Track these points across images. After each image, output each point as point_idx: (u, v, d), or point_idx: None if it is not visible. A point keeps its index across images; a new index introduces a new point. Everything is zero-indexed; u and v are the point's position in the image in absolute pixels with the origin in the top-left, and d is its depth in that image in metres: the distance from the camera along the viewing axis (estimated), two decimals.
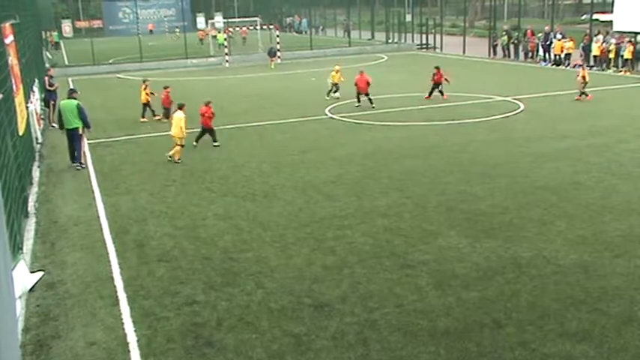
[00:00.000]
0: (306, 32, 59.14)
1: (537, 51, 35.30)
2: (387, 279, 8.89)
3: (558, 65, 32.59)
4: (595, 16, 36.76)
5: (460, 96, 24.17)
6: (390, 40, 50.32)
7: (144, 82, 22.00)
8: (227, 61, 39.72)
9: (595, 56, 31.17)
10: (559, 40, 33.21)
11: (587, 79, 22.17)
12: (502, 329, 7.48)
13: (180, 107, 16.04)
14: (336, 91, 24.63)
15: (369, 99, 22.24)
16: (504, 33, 38.37)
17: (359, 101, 22.62)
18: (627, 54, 29.32)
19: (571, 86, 25.04)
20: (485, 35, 44.01)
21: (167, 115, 20.73)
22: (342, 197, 12.64)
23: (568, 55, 32.46)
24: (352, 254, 9.79)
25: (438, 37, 45.50)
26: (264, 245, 10.30)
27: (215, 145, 17.27)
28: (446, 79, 23.27)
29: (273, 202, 12.51)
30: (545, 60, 34.19)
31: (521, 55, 36.73)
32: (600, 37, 31.24)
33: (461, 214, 11.39)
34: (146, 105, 21.54)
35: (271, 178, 14.20)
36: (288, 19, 72.57)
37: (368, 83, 22.25)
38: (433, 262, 9.39)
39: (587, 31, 33.25)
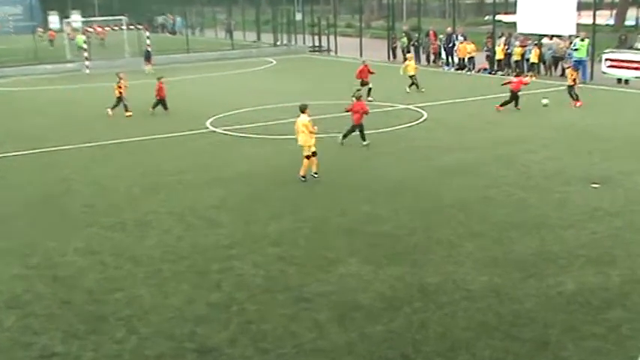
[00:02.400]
0: (181, 33, 58.62)
1: (440, 54, 36.76)
2: (281, 315, 8.91)
3: (462, 69, 34.10)
4: (498, 17, 38.76)
5: None
6: (278, 42, 50.82)
7: (117, 74, 24.27)
8: (87, 66, 38.60)
9: (499, 60, 32.90)
10: (461, 42, 34.71)
11: (577, 81, 23.49)
12: None
13: (303, 110, 15.38)
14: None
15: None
16: (404, 34, 39.70)
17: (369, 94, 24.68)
18: (533, 58, 31.13)
19: (476, 92, 26.31)
20: (383, 36, 45.34)
21: (165, 106, 24.01)
22: (227, 223, 12.57)
23: (472, 59, 34.00)
24: (241, 289, 9.74)
25: (332, 38, 46.43)
26: (136, 283, 10.05)
27: None
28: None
29: (146, 232, 12.25)
30: (448, 64, 35.66)
31: (423, 58, 38.08)
32: (503, 39, 33.04)
33: (363, 237, 11.63)
34: (120, 99, 23.85)
35: (144, 204, 13.91)
36: (160, 19, 71.68)
37: (370, 72, 25.40)
38: (333, 293, 9.51)
39: (490, 33, 34.99)
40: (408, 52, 38.47)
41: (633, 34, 36.24)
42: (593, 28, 30.51)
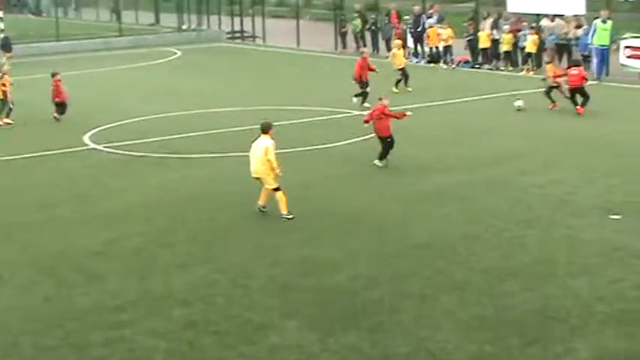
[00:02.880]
0: (48, 14, 57.94)
1: (406, 42, 37.06)
2: None
3: (436, 62, 34.48)
4: None
5: (297, 111, 24.80)
6: (184, 26, 50.61)
7: None
8: None
9: (484, 49, 33.43)
10: (431, 26, 35.15)
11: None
12: None
13: (266, 130, 15.14)
14: None
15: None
16: (356, 15, 39.91)
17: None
18: (530, 46, 31.59)
19: (455, 93, 26.64)
20: (328, 18, 45.57)
21: (62, 111, 24.67)
22: (115, 277, 12.37)
23: (448, 48, 34.43)
24: None
25: (258, 20, 46.37)
26: None
27: None
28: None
29: None
30: (417, 55, 36.06)
31: (383, 46, 38.36)
32: (489, 21, 33.59)
33: (304, 293, 11.56)
34: (2, 101, 24.17)
35: None
36: None
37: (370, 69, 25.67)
38: None
39: (472, 13, 35.53)
40: (362, 37, 38.79)
41: None
42: (608, 5, 31.29)
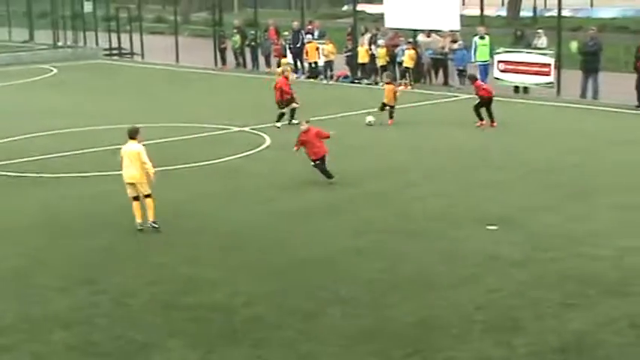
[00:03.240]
0: None
1: (285, 57, 37.31)
2: None
3: (316, 78, 34.79)
4: (360, 7, 39.89)
5: (177, 128, 24.67)
6: (60, 43, 49.73)
7: None
8: None
9: (362, 64, 33.96)
10: (310, 42, 35.49)
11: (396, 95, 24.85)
12: None
13: (133, 135, 15.03)
14: None
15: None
16: (235, 31, 39.93)
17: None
18: (408, 61, 32.13)
19: (335, 108, 26.92)
20: (207, 35, 45.43)
21: None
22: None
23: (329, 63, 34.81)
24: None
25: (136, 37, 45.99)
26: None
27: None
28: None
29: None
30: (297, 70, 36.28)
31: (262, 62, 38.57)
32: (367, 37, 34.11)
33: (186, 312, 11.51)
34: None
35: None
36: None
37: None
38: None
39: (349, 28, 35.98)
40: (241, 53, 38.78)
41: (531, 28, 38.16)
42: (482, 22, 32.18)
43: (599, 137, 22.42)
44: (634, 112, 25.98)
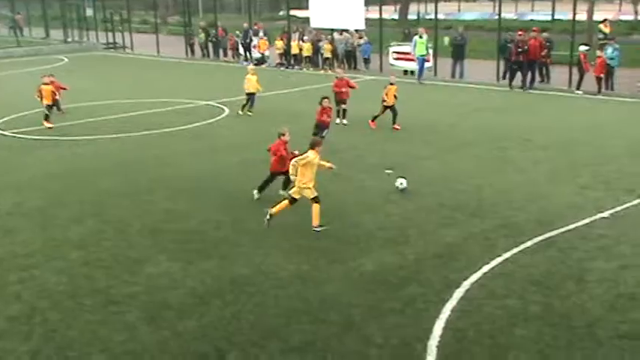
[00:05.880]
0: None
1: (238, 49, 37.21)
2: (89, 321, 8.64)
3: (261, 64, 34.67)
4: (293, 12, 39.88)
5: (159, 102, 24.36)
6: (69, 39, 48.66)
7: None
8: None
9: (294, 55, 34.02)
10: (262, 38, 35.80)
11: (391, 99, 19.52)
12: (225, 356, 7.78)
13: (314, 145, 11.75)
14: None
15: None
16: (201, 30, 39.66)
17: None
18: (327, 53, 32.56)
19: (277, 86, 26.83)
20: (180, 33, 44.92)
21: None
22: (23, 230, 11.91)
23: (262, 56, 35.39)
24: (43, 298, 9.29)
25: (127, 35, 45.35)
26: None
27: None
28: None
29: None
30: (247, 60, 36.08)
31: (223, 53, 38.44)
32: (297, 34, 34.31)
33: (169, 235, 11.52)
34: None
35: None
36: None
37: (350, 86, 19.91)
38: (142, 293, 9.36)
39: (286, 28, 35.93)
40: (206, 47, 38.55)
41: (415, 27, 38.60)
42: (380, 23, 32.35)
43: (466, 106, 22.75)
44: (491, 88, 26.39)
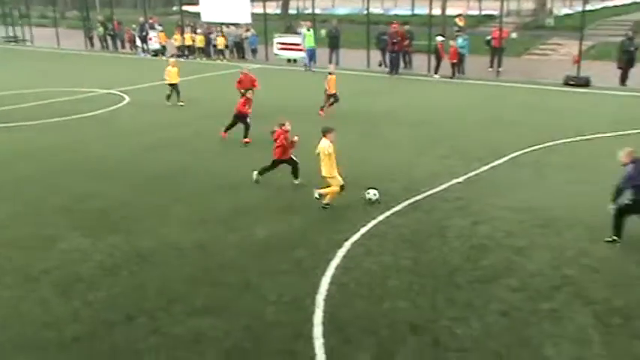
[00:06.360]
0: None
1: (135, 42, 36.02)
2: (10, 297, 8.30)
3: (156, 56, 33.78)
4: (185, 8, 38.98)
5: (60, 92, 23.29)
6: None
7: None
8: None
9: (188, 47, 33.47)
10: (162, 31, 34.78)
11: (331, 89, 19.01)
12: (133, 322, 7.67)
13: (326, 133, 11.11)
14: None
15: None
16: (99, 24, 38.13)
17: None
18: (220, 44, 32.17)
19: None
20: (79, 27, 42.92)
21: None
22: None
23: (165, 47, 34.15)
24: None
25: (27, 29, 42.83)
26: None
27: None
28: None
29: None
30: (144, 51, 35.01)
31: (120, 45, 37.11)
32: (189, 27, 33.66)
33: (80, 214, 11.16)
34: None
35: None
36: None
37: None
38: (56, 269, 9.05)
39: (179, 22, 35.11)
40: (105, 40, 37.17)
41: (296, 21, 38.80)
42: (265, 17, 32.14)
43: (344, 89, 23.01)
44: (362, 73, 26.85)
